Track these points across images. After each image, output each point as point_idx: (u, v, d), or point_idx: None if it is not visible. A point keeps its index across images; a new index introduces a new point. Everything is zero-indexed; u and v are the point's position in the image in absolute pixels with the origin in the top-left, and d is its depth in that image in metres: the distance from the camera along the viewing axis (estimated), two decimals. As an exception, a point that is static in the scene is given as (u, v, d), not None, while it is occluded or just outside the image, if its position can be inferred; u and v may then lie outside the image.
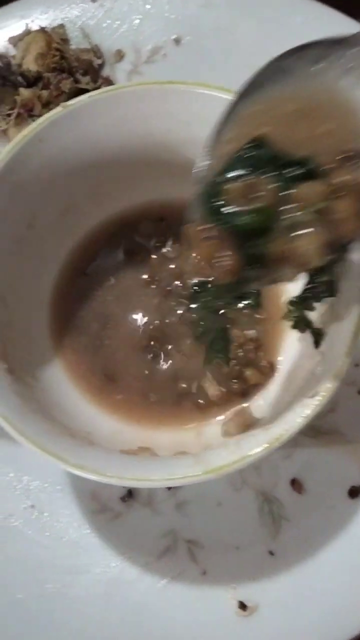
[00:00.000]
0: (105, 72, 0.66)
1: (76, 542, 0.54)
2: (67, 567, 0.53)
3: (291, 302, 0.55)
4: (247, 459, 0.38)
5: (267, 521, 0.53)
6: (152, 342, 0.56)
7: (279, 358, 0.53)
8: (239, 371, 0.53)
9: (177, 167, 0.53)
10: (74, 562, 0.53)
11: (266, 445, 0.38)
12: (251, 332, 0.53)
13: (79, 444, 0.42)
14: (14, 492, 0.56)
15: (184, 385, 0.54)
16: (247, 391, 0.53)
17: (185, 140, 0.49)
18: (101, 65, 0.65)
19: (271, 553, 0.52)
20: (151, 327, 0.56)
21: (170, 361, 0.55)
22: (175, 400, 0.54)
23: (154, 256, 0.57)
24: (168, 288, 0.56)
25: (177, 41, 0.65)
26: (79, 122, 0.46)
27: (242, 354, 0.53)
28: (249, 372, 0.53)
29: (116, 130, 0.48)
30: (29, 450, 0.39)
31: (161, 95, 0.45)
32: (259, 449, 0.38)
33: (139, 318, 0.56)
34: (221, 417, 0.53)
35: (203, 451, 0.42)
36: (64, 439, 0.42)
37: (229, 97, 0.44)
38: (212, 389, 0.53)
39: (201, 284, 0.57)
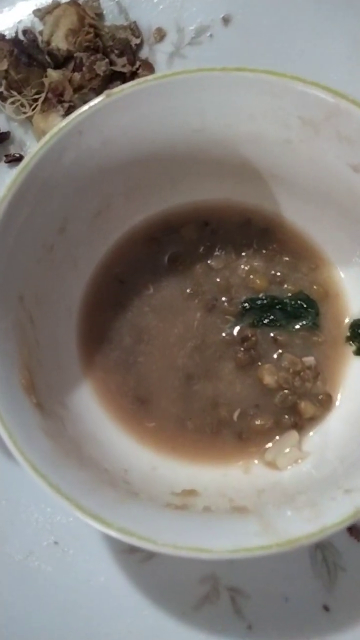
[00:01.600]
0: (144, 53, 0.58)
1: (104, 586, 0.48)
2: (94, 614, 0.48)
3: (355, 324, 0.49)
4: (326, 531, 0.32)
5: (321, 571, 0.47)
6: (190, 362, 0.49)
7: (340, 389, 0.47)
8: (293, 402, 0.47)
9: (230, 166, 0.46)
10: (102, 609, 0.48)
11: (351, 514, 0.32)
12: (309, 359, 0.47)
13: (120, 496, 0.36)
14: (35, 527, 0.50)
15: (224, 413, 0.48)
16: (299, 424, 0.47)
17: (246, 137, 0.42)
18: (139, 45, 0.58)
19: (326, 608, 0.46)
20: (191, 345, 0.50)
21: (210, 385, 0.49)
22: (215, 430, 0.48)
23: (197, 265, 0.51)
24: (212, 302, 0.50)
25: (225, 20, 0.58)
26: (125, 113, 0.39)
27: (298, 383, 0.47)
28: (304, 405, 0.46)
29: (166, 123, 0.41)
30: (67, 510, 0.33)
31: (223, 84, 0.38)
32: (341, 519, 0.32)
33: (178, 334, 0.50)
34: (268, 446, 0.46)
35: (266, 509, 0.35)
36: (103, 491, 0.35)
37: (305, 87, 0.37)
38: (259, 420, 0.47)
39: (251, 300, 0.51)
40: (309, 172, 0.44)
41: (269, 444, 0.47)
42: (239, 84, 0.38)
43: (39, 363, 0.43)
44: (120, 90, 0.38)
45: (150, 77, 0.38)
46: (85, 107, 0.38)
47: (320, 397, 0.47)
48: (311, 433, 0.46)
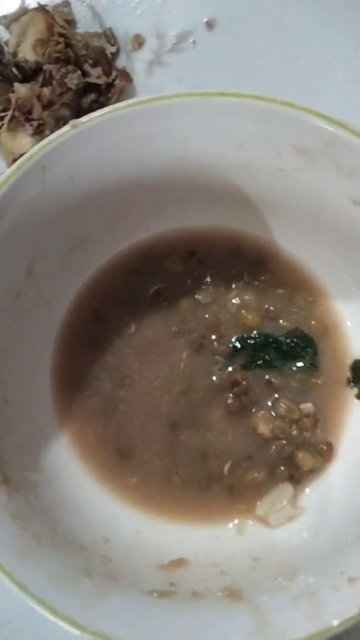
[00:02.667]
0: (121, 62, 0.53)
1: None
2: None
3: (357, 365, 0.44)
4: (329, 631, 0.28)
5: None
6: (176, 409, 0.45)
7: (341, 438, 0.43)
8: (289, 453, 0.43)
9: (218, 192, 0.42)
10: None
11: (356, 613, 0.28)
12: (308, 406, 0.43)
13: (98, 587, 0.31)
14: (13, 593, 0.46)
15: (214, 466, 0.43)
16: (297, 477, 0.43)
17: (235, 164, 0.38)
18: (115, 54, 0.52)
19: None
20: (176, 389, 0.45)
21: (198, 435, 0.44)
22: (204, 485, 0.43)
23: (183, 300, 0.46)
24: (200, 341, 0.45)
25: (209, 25, 0.52)
26: (94, 144, 0.35)
27: (295, 432, 0.42)
28: (301, 456, 0.42)
29: (142, 152, 0.37)
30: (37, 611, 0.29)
31: (205, 110, 0.33)
32: (345, 617, 0.28)
33: (163, 377, 0.45)
34: (260, 506, 0.42)
35: (262, 598, 0.31)
36: (78, 583, 0.31)
37: (299, 114, 0.32)
38: (252, 473, 0.43)
39: (242, 339, 0.47)
40: (304, 202, 0.39)
41: (261, 502, 0.43)
42: (222, 109, 0.33)
43: (8, 426, 0.38)
44: (88, 119, 0.33)
45: (121, 104, 0.33)
46: (47, 140, 0.33)
47: (319, 447, 0.43)
48: (309, 488, 0.42)
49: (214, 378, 0.45)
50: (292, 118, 0.32)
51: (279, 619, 0.29)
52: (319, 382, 0.44)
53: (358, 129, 0.32)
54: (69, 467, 0.42)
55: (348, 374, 0.44)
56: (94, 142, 0.35)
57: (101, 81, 0.52)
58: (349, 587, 0.29)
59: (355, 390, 0.43)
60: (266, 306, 0.46)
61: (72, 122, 0.33)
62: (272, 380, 0.44)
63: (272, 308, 0.46)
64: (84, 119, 0.33)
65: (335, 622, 0.28)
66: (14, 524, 0.32)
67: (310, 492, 0.42)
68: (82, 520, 0.39)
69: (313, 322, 0.45)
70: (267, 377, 0.44)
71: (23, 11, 0.52)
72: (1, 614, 0.44)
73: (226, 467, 0.43)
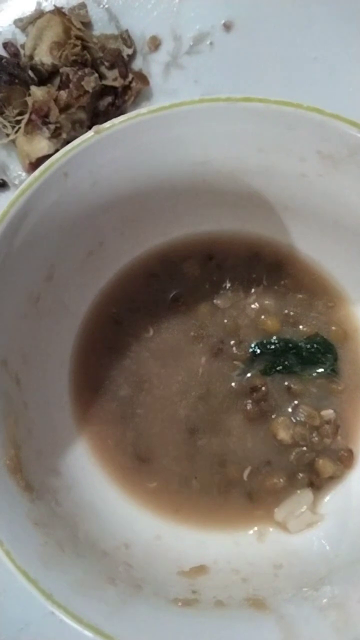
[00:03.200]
0: (137, 64, 0.53)
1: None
2: None
3: (378, 371, 0.44)
4: (361, 645, 0.27)
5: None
6: (195, 414, 0.45)
7: (363, 444, 0.42)
8: (309, 459, 0.42)
9: (237, 197, 0.42)
10: None
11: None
12: (328, 412, 0.42)
13: (122, 595, 0.31)
14: (31, 596, 0.45)
15: (233, 472, 0.43)
16: (317, 484, 0.42)
17: (255, 169, 0.37)
18: (132, 56, 0.52)
19: None
20: (195, 394, 0.45)
21: (217, 440, 0.44)
22: (223, 490, 0.43)
23: (201, 304, 0.46)
24: (219, 346, 0.45)
25: (227, 26, 0.52)
26: (116, 150, 0.34)
27: (316, 439, 0.42)
28: (322, 462, 0.42)
29: (163, 157, 0.36)
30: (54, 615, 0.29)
31: (229, 116, 0.33)
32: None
33: (181, 382, 0.45)
34: (279, 511, 0.42)
35: (287, 607, 0.31)
36: (101, 590, 0.31)
37: (325, 120, 0.32)
38: (271, 479, 0.42)
39: (262, 344, 0.47)
40: (326, 207, 0.39)
41: (280, 507, 0.42)
42: (247, 115, 0.33)
43: (28, 430, 0.38)
44: (111, 125, 0.33)
45: (144, 110, 0.33)
46: (71, 146, 0.33)
47: (340, 453, 0.42)
48: (329, 496, 0.42)
49: (233, 384, 0.44)
50: (319, 124, 0.32)
51: (306, 630, 0.29)
52: (340, 388, 0.44)
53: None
54: (88, 472, 0.42)
55: (369, 380, 0.44)
56: (116, 148, 0.34)
57: (118, 83, 0.51)
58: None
59: (377, 396, 0.43)
60: (286, 311, 0.46)
61: (95, 127, 0.33)
62: (292, 386, 0.44)
63: (291, 313, 0.45)
64: (106, 124, 0.33)
65: (363, 635, 0.28)
66: (37, 532, 0.32)
67: (331, 499, 0.42)
68: (102, 526, 0.39)
69: (333, 328, 0.45)
70: (286, 383, 0.44)
71: (39, 14, 0.51)
72: (19, 617, 0.44)
73: (245, 473, 0.43)
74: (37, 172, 0.33)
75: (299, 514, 0.41)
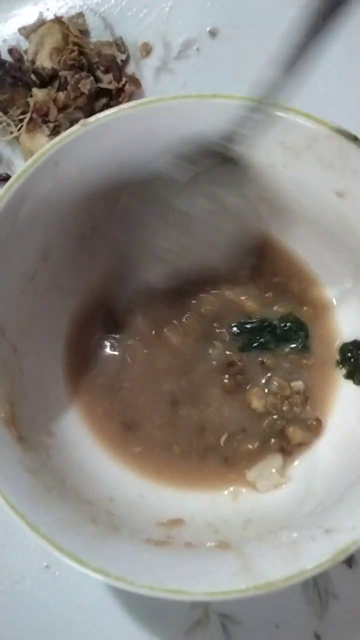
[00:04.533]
0: (130, 68, 0.57)
1: (96, 610, 0.48)
2: (84, 635, 0.48)
3: (345, 347, 0.48)
4: (305, 574, 0.31)
5: (313, 597, 0.46)
6: (177, 388, 0.49)
7: (329, 414, 0.46)
8: (280, 427, 0.46)
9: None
10: (93, 633, 0.48)
11: (329, 558, 0.31)
12: (298, 384, 0.46)
13: (101, 533, 0.35)
14: (27, 550, 0.50)
15: (211, 438, 0.47)
16: (287, 450, 0.46)
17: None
18: (125, 61, 0.57)
19: (317, 636, 0.45)
20: (178, 371, 0.49)
21: (197, 410, 0.48)
22: (202, 454, 0.47)
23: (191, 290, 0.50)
24: (204, 328, 0.49)
25: (212, 33, 0.57)
26: (102, 142, 0.39)
27: (286, 407, 0.46)
28: (292, 430, 0.46)
29: (145, 149, 0.40)
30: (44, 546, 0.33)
31: (200, 111, 0.37)
32: (320, 562, 0.31)
33: (166, 361, 0.49)
34: (250, 473, 0.46)
35: (247, 545, 0.35)
36: (83, 528, 0.35)
37: (284, 114, 0.36)
38: (246, 444, 0.46)
39: (240, 324, 0.50)
40: (295, 197, 0.43)
41: (252, 469, 0.46)
42: (215, 110, 0.37)
43: (23, 393, 0.43)
44: (95, 120, 0.38)
45: (125, 105, 0.38)
46: (59, 137, 0.38)
47: (309, 422, 0.46)
48: (298, 460, 0.46)
49: (214, 362, 0.48)
50: (278, 117, 0.36)
51: (260, 562, 0.33)
52: (310, 362, 0.47)
53: (336, 125, 0.35)
54: (78, 436, 0.46)
55: (337, 356, 0.47)
56: (101, 140, 0.39)
57: (112, 86, 0.56)
58: (325, 537, 0.33)
59: (344, 370, 0.47)
60: (264, 294, 0.49)
61: (82, 121, 0.37)
62: (266, 360, 0.48)
63: (268, 295, 0.49)
64: (92, 118, 0.38)
65: (310, 566, 0.31)
66: (27, 476, 0.36)
67: (299, 464, 0.45)
68: (89, 483, 0.42)
69: (305, 308, 0.49)
70: (260, 358, 0.48)
71: (41, 22, 0.56)
72: (16, 570, 0.48)
73: (222, 439, 0.46)
74: (30, 161, 0.37)
75: (267, 476, 0.45)
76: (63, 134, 0.37)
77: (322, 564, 0.31)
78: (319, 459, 0.45)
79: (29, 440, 0.39)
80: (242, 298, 0.49)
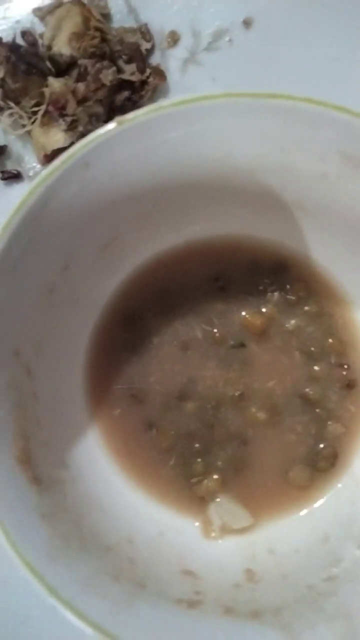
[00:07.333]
0: (155, 59, 0.52)
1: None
2: None
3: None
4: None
5: None
6: (208, 415, 0.45)
7: None
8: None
9: (252, 195, 0.41)
10: None
11: None
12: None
13: (125, 593, 0.31)
14: (32, 588, 0.45)
15: None
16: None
17: (275, 167, 0.37)
18: (150, 51, 0.52)
19: None
20: (211, 401, 0.45)
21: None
22: None
23: (208, 305, 0.46)
24: (226, 344, 0.45)
25: (247, 23, 0.52)
26: (137, 143, 0.34)
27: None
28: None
29: (183, 153, 0.36)
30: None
31: (254, 112, 0.33)
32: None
33: (189, 387, 0.45)
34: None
35: (291, 614, 0.31)
36: (106, 588, 0.31)
37: (351, 119, 0.32)
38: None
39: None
40: (343, 209, 0.39)
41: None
42: (271, 112, 0.32)
43: (37, 421, 0.38)
44: (134, 117, 0.33)
45: (166, 102, 0.33)
46: (93, 136, 0.33)
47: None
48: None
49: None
50: (343, 123, 0.32)
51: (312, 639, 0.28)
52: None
53: None
54: (94, 463, 0.42)
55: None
56: (137, 141, 0.34)
57: (135, 78, 0.51)
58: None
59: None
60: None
61: (118, 118, 0.33)
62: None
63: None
64: (129, 116, 0.33)
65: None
66: (44, 524, 0.31)
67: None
68: (107, 520, 0.38)
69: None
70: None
71: (58, 3, 0.51)
72: (20, 610, 0.44)
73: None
74: (58, 161, 0.32)
75: None
76: (97, 132, 0.32)
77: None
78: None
79: (44, 479, 0.35)
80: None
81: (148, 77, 0.51)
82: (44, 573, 0.29)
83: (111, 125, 0.33)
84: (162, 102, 0.33)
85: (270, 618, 0.30)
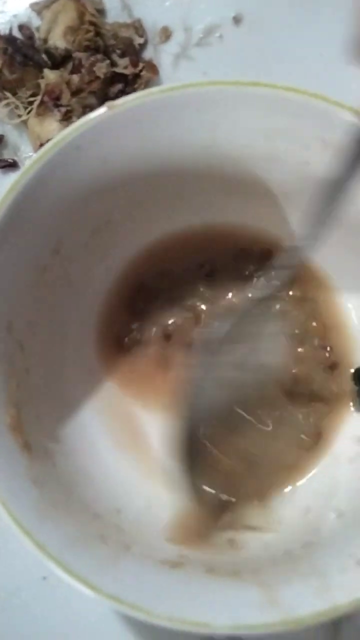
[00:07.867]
0: (147, 54, 0.54)
1: (95, 626, 0.45)
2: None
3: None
4: (338, 610, 0.29)
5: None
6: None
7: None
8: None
9: (239, 182, 0.43)
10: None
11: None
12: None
13: (112, 553, 0.32)
14: (23, 561, 0.47)
15: None
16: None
17: (260, 155, 0.39)
18: (143, 45, 0.54)
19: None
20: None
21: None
22: None
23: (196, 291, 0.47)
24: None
25: (236, 20, 0.54)
26: (128, 127, 0.36)
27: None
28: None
29: (172, 139, 0.38)
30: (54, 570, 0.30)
31: (237, 100, 0.35)
32: (356, 597, 0.29)
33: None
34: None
35: (269, 574, 0.32)
36: (93, 548, 0.32)
37: (329, 107, 0.33)
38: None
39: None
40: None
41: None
42: (254, 100, 0.34)
43: (29, 395, 0.39)
44: (124, 102, 0.35)
45: (155, 89, 0.35)
46: (84, 120, 0.35)
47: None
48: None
49: None
50: (322, 111, 0.33)
51: (287, 594, 0.30)
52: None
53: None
54: (86, 439, 0.43)
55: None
56: (127, 126, 0.36)
57: (128, 71, 0.53)
58: (357, 568, 0.30)
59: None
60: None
61: (108, 103, 0.34)
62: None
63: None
64: (119, 101, 0.34)
65: (344, 601, 0.29)
66: (34, 488, 0.33)
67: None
68: (96, 491, 0.40)
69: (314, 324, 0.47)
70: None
71: (55, -2, 0.53)
72: (10, 581, 0.45)
73: None
74: (50, 144, 0.34)
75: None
76: (88, 116, 0.34)
77: (358, 599, 0.29)
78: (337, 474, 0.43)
79: (35, 447, 0.36)
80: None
81: (141, 71, 0.53)
82: (32, 530, 0.30)
83: (102, 110, 0.34)
84: (151, 89, 0.35)
85: (249, 576, 0.32)
